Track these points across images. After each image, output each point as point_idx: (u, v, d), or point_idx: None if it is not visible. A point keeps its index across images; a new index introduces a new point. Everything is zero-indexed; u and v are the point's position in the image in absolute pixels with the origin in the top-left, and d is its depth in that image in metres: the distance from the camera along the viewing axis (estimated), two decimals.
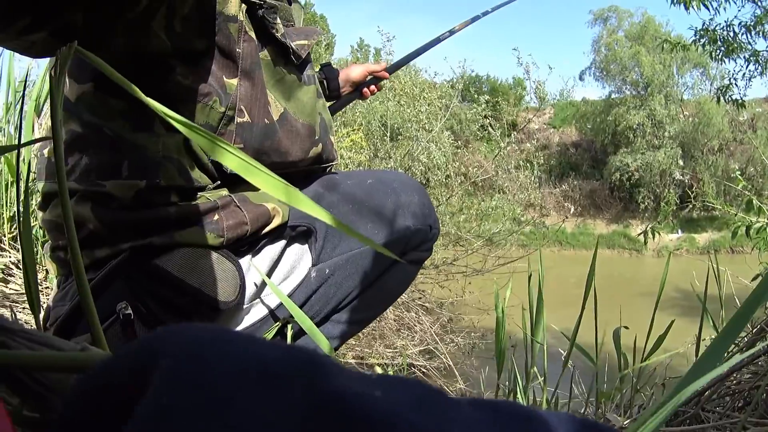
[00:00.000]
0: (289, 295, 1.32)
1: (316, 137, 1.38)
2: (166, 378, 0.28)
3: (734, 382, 1.68)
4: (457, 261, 8.31)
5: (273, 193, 0.61)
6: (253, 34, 1.20)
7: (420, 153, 10.37)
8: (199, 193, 1.18)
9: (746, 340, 1.98)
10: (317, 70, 1.93)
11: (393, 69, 2.14)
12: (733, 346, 1.88)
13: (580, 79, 29.20)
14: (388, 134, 10.66)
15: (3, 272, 2.43)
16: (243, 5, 1.16)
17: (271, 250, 1.31)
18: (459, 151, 12.88)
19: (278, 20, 1.24)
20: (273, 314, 1.32)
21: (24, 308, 2.20)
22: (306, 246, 1.40)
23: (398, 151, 10.63)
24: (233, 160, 0.62)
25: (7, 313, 2.10)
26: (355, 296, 1.46)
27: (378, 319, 5.15)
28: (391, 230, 1.48)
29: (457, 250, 8.79)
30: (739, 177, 5.58)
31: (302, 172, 1.43)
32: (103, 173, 1.11)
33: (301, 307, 1.33)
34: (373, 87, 2.04)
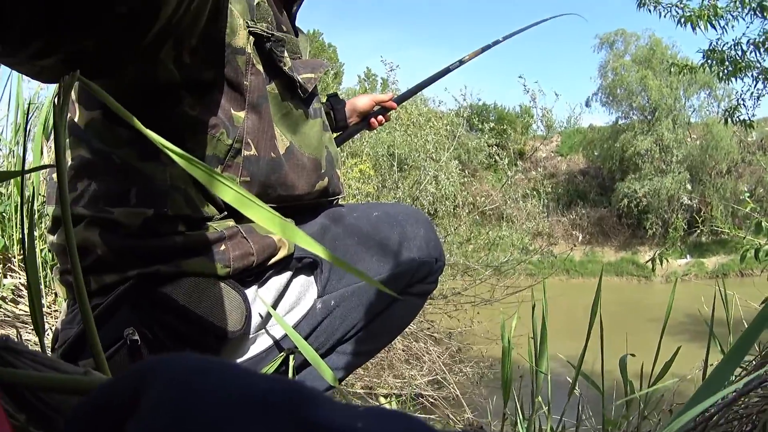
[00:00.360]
0: (295, 326, 1.33)
1: (322, 171, 1.39)
2: (153, 404, 0.29)
3: (742, 405, 1.67)
4: (466, 291, 8.29)
5: (269, 227, 0.62)
6: (260, 67, 1.21)
7: (428, 183, 10.38)
8: (206, 223, 1.19)
9: (754, 363, 1.97)
10: (324, 100, 1.95)
11: (401, 99, 2.14)
12: (741, 370, 1.87)
13: (587, 105, 29.21)
14: (396, 164, 10.67)
15: (13, 293, 2.45)
16: (251, 38, 1.18)
17: (277, 281, 1.32)
18: (466, 180, 12.88)
19: (286, 53, 1.25)
20: (278, 345, 1.32)
21: (32, 329, 2.20)
22: (312, 278, 1.40)
23: (406, 181, 10.65)
24: (230, 194, 0.63)
25: (13, 333, 2.12)
26: (360, 328, 1.46)
27: (386, 349, 5.14)
28: (397, 263, 1.48)
29: (465, 280, 8.77)
30: (748, 199, 5.55)
31: (309, 206, 1.43)
32: (111, 200, 1.12)
33: (306, 338, 1.34)
34: (380, 117, 2.04)
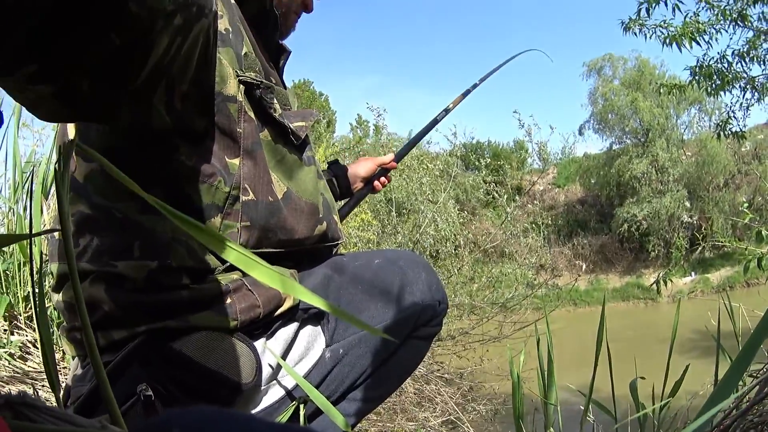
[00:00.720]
0: (305, 376, 1.33)
1: (320, 215, 1.40)
2: None
3: (756, 414, 1.67)
4: (473, 330, 8.26)
5: (271, 283, 0.62)
6: (252, 114, 1.23)
7: (427, 225, 10.37)
8: (210, 276, 1.19)
9: (765, 371, 1.97)
10: (325, 167, 1.98)
11: (399, 157, 2.17)
12: (752, 379, 1.87)
13: (580, 133, 29.36)
14: (394, 209, 10.68)
15: (21, 350, 2.45)
16: (241, 86, 1.20)
17: (284, 332, 1.32)
18: (466, 219, 12.89)
19: (275, 101, 1.28)
20: (290, 395, 1.32)
21: (43, 386, 2.22)
22: (319, 327, 1.41)
23: (405, 225, 10.64)
24: (233, 254, 0.64)
25: (29, 390, 2.13)
26: (369, 374, 1.46)
27: (398, 393, 5.10)
28: (401, 308, 1.49)
29: (472, 319, 8.74)
30: (746, 210, 5.55)
31: (309, 251, 1.44)
32: (115, 254, 1.13)
33: (317, 387, 1.34)
34: (383, 179, 2.08)
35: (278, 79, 1.43)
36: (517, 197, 12.55)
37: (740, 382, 1.72)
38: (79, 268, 1.12)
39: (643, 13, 8.50)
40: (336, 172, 1.97)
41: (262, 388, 1.27)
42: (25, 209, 2.96)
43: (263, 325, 1.27)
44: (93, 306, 1.13)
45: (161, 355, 1.13)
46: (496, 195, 13.28)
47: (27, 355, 2.48)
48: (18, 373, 2.32)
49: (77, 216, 1.15)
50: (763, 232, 4.58)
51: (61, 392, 1.20)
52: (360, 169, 2.02)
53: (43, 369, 2.28)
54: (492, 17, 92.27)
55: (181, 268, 1.15)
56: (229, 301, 1.18)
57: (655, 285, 6.42)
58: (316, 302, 0.59)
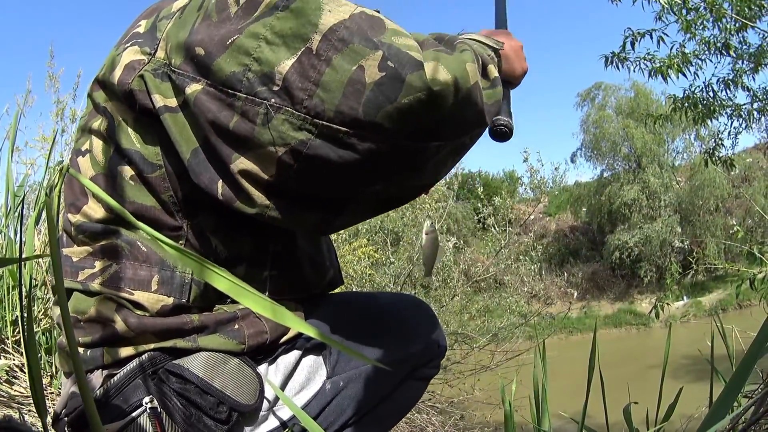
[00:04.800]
0: (304, 407, 1.34)
1: (327, 263, 1.49)
2: None
3: None
4: (465, 359, 8.23)
5: (260, 311, 0.65)
6: None
7: (419, 258, 10.34)
8: (218, 306, 1.25)
9: (759, 391, 1.95)
10: None
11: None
12: (747, 400, 1.86)
13: (572, 161, 29.41)
14: (389, 240, 10.70)
15: (8, 374, 2.46)
16: None
17: (286, 360, 1.33)
18: (458, 250, 12.89)
19: None
20: (285, 425, 1.32)
21: (30, 410, 2.22)
22: (321, 357, 1.41)
23: (400, 256, 10.62)
24: (223, 283, 0.66)
25: (15, 414, 2.13)
26: (367, 410, 1.47)
27: None
28: (401, 349, 1.51)
29: (463, 349, 8.72)
30: (738, 228, 5.57)
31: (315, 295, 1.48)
32: (133, 283, 1.17)
33: (315, 418, 1.35)
34: None
35: None
36: (508, 228, 12.54)
37: (735, 403, 1.70)
38: (89, 288, 1.18)
39: (627, 46, 8.53)
40: None
41: (262, 413, 1.27)
42: (15, 233, 2.97)
43: (267, 351, 1.30)
44: (102, 323, 1.17)
45: (168, 370, 1.17)
46: (493, 228, 13.26)
47: (14, 380, 2.48)
48: (4, 396, 2.32)
49: (107, 244, 1.21)
50: (755, 252, 4.59)
51: (48, 418, 1.19)
52: None
53: (29, 393, 2.29)
54: None
55: (195, 305, 1.21)
56: (237, 326, 1.23)
57: (653, 312, 6.40)
58: (311, 332, 0.62)
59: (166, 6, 1.25)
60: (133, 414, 1.11)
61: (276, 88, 1.02)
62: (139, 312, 1.16)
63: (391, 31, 1.05)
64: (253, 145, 1.06)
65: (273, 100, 1.03)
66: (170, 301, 1.17)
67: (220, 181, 1.11)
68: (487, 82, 1.20)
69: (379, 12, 1.10)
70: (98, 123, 1.23)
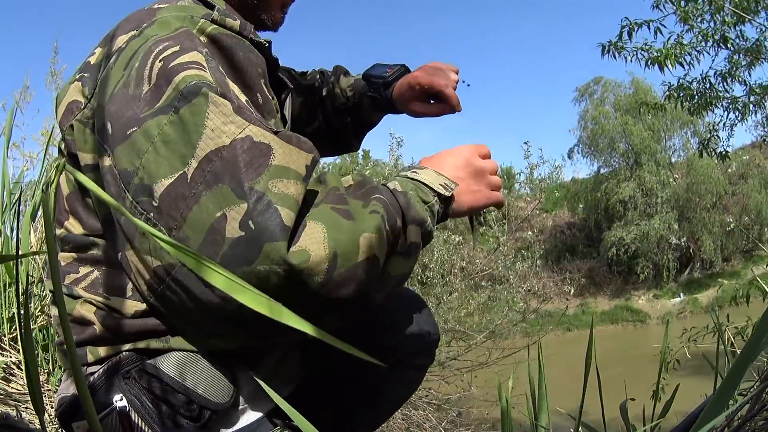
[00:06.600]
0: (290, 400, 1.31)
1: None
2: None
3: (748, 430, 1.66)
4: (461, 356, 8.23)
5: (256, 307, 0.63)
6: None
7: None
8: None
9: (755, 388, 1.95)
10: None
11: None
12: (742, 398, 1.86)
13: (569, 157, 29.24)
14: None
15: (5, 371, 2.47)
16: None
17: (271, 355, 1.32)
18: (455, 247, 12.89)
19: None
20: (270, 417, 1.30)
21: (27, 407, 2.23)
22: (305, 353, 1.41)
23: None
24: (219, 279, 0.65)
25: (12, 411, 2.13)
26: (356, 400, 1.48)
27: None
28: (390, 338, 1.50)
29: (460, 346, 8.72)
30: (736, 222, 5.63)
31: None
32: (109, 289, 1.19)
33: (300, 410, 1.32)
34: None
35: (284, 119, 1.48)
36: (506, 224, 12.52)
37: (731, 400, 1.71)
38: (73, 292, 1.21)
39: (624, 36, 8.53)
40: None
41: (240, 407, 1.25)
42: (12, 230, 2.98)
43: (249, 348, 1.26)
44: (84, 324, 1.19)
45: (141, 369, 1.17)
46: (491, 226, 13.25)
47: (11, 377, 2.48)
48: (1, 394, 2.33)
49: (89, 253, 1.24)
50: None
51: (45, 415, 1.23)
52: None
53: (27, 390, 2.33)
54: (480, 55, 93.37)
55: None
56: None
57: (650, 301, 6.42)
58: (304, 327, 0.61)
59: (120, 35, 1.20)
60: (104, 412, 1.12)
61: (155, 204, 1.00)
62: (116, 315, 1.18)
63: (274, 170, 0.97)
64: (135, 248, 1.06)
65: (152, 214, 1.00)
66: (143, 306, 1.17)
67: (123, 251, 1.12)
68: (403, 246, 1.14)
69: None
70: (64, 145, 1.24)
